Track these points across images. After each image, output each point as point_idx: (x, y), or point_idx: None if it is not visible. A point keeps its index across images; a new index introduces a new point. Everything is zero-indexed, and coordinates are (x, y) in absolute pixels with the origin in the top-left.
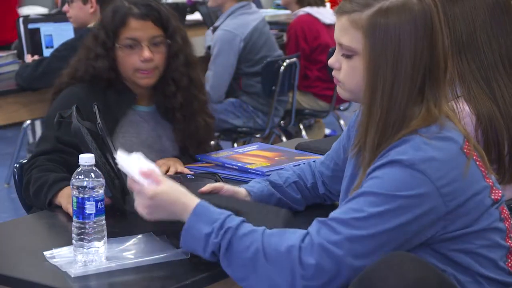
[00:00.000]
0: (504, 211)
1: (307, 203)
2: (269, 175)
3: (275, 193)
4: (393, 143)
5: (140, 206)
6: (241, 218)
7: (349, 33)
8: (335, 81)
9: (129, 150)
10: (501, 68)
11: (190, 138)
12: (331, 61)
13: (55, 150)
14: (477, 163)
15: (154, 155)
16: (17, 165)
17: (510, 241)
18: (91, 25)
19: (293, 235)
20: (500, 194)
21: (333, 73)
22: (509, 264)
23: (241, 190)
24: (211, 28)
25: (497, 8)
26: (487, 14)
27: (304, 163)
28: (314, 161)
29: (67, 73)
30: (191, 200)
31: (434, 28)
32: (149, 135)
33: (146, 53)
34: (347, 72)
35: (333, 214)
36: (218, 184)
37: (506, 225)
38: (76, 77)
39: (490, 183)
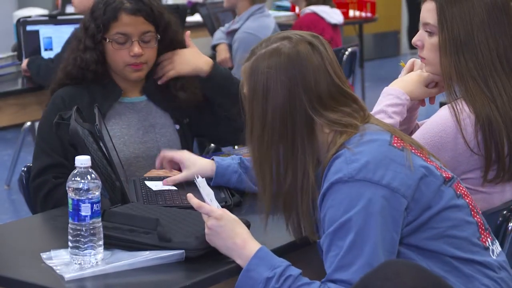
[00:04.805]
0: (459, 187)
1: None
2: None
3: (239, 172)
4: (328, 162)
5: (206, 227)
6: (299, 270)
7: (243, 81)
8: None
9: (119, 142)
10: (499, 67)
11: (218, 125)
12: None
13: (58, 164)
14: (413, 151)
15: (150, 143)
16: (25, 168)
17: (477, 216)
18: None
19: None
20: (450, 175)
21: None
22: (483, 239)
23: (208, 162)
24: (221, 28)
25: (495, 8)
26: (485, 14)
27: None
28: None
29: (61, 67)
30: (253, 242)
31: (309, 67)
32: (141, 125)
33: (136, 49)
34: None
35: (327, 270)
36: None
37: (467, 200)
38: (67, 72)
39: (434, 164)
